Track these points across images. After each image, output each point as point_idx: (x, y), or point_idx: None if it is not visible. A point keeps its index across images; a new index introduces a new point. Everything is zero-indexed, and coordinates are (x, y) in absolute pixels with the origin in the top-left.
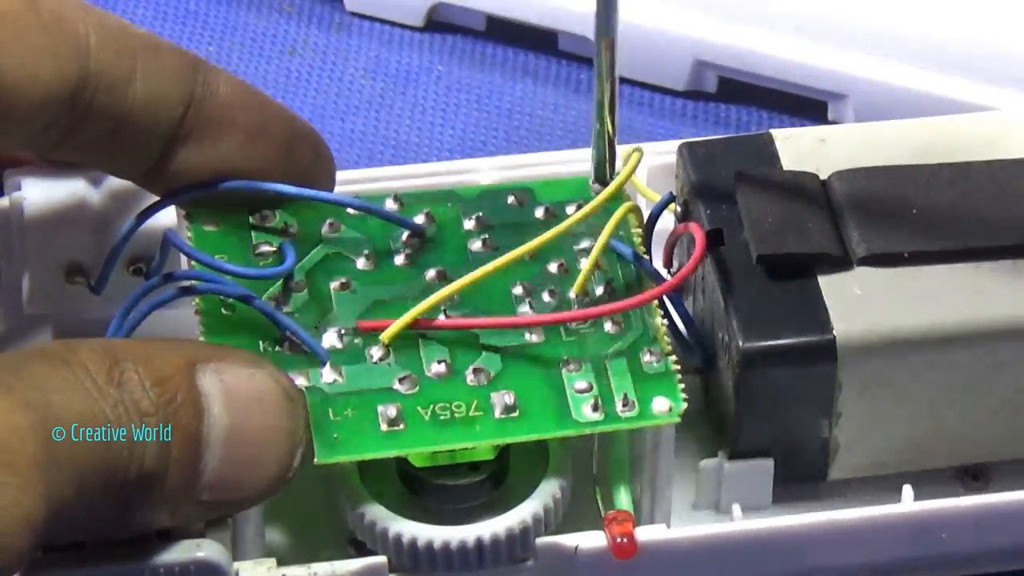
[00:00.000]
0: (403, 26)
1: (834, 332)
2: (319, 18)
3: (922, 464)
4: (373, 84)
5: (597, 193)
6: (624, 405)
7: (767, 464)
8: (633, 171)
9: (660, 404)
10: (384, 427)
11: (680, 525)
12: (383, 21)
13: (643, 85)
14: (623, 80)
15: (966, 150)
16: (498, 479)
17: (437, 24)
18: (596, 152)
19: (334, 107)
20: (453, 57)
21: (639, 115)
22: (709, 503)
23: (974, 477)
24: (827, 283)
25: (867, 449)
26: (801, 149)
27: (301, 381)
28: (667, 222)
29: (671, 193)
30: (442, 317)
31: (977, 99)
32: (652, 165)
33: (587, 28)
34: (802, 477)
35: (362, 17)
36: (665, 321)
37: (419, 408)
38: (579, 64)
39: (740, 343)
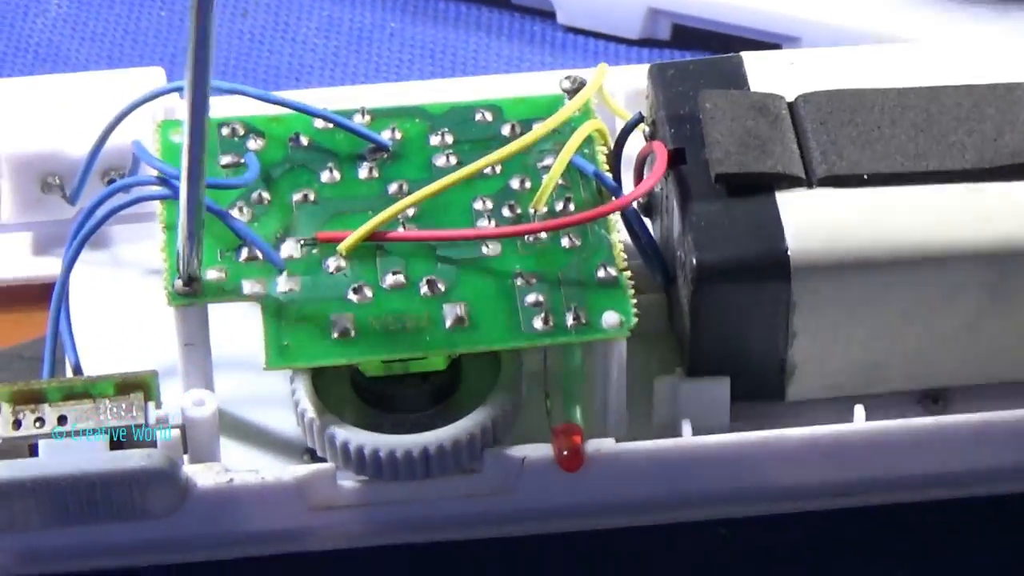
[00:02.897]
0: None
1: (788, 250)
2: None
3: (881, 387)
4: (327, 43)
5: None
6: (574, 319)
7: (723, 383)
8: (599, 86)
9: (610, 318)
10: (335, 335)
11: (630, 440)
12: None
13: (597, 35)
14: (577, 31)
15: (938, 75)
16: (448, 390)
17: None
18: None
19: (288, 67)
20: (406, 14)
21: (595, 65)
22: (667, 420)
23: (934, 400)
24: (785, 203)
25: (824, 370)
26: (770, 72)
27: (258, 289)
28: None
29: (640, 113)
30: (401, 229)
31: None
32: (629, 89)
33: None
34: (760, 396)
35: None
36: (623, 238)
37: (371, 318)
38: (532, 17)
39: (694, 259)
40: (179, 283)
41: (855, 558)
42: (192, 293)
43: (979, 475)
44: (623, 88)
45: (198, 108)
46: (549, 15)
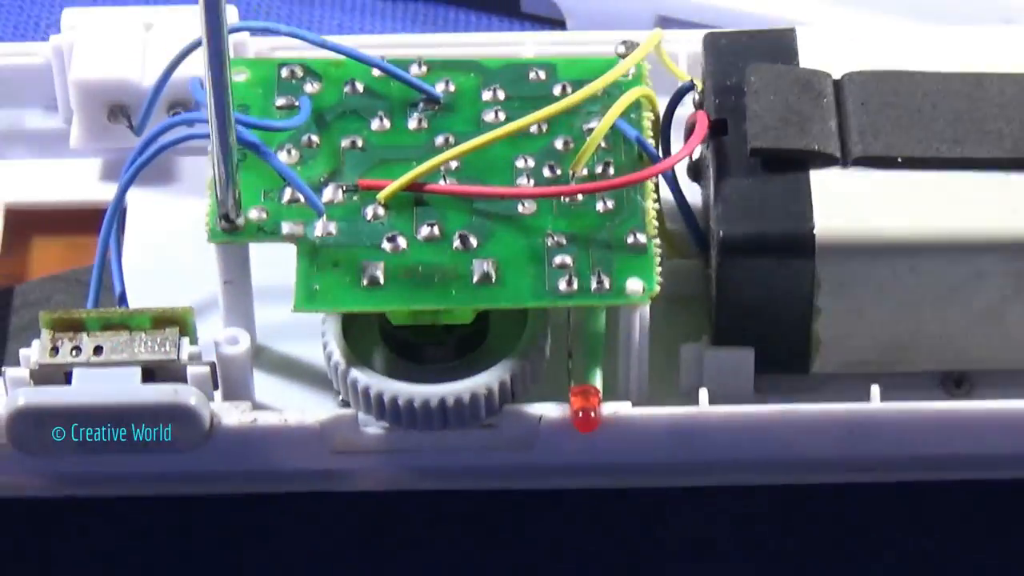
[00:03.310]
0: None
1: (814, 228)
2: None
3: (905, 366)
4: None
5: (627, 76)
6: (597, 283)
7: (747, 353)
8: (648, 51)
9: (633, 285)
10: (364, 283)
11: (651, 403)
12: None
13: None
14: None
15: (990, 60)
16: (475, 343)
17: None
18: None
19: None
20: (415, 24)
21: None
22: (691, 386)
23: (957, 383)
24: (818, 180)
25: (848, 347)
26: (822, 48)
27: (296, 231)
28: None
29: (691, 81)
30: (442, 182)
31: None
32: (692, 52)
33: None
34: (785, 368)
35: None
36: (657, 205)
37: (401, 268)
38: (542, 25)
39: (721, 232)
40: (220, 221)
41: (867, 532)
42: (231, 231)
43: (996, 459)
44: (686, 50)
45: (215, 40)
46: (559, 23)
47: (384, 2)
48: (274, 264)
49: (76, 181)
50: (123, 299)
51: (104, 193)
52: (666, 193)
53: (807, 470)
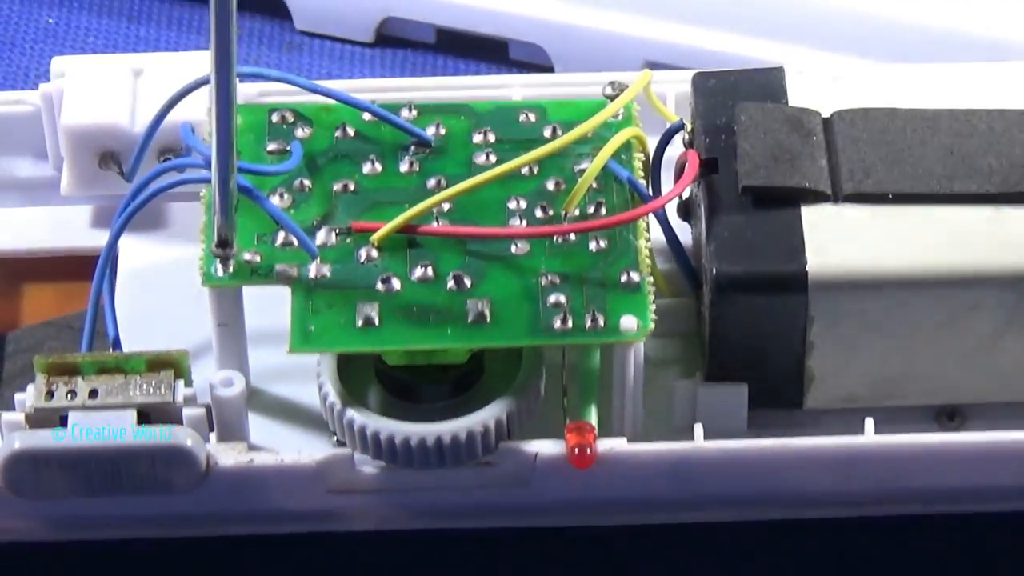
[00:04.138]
0: (353, 42)
1: (807, 264)
2: (269, 38)
3: (898, 400)
4: None
5: (616, 117)
6: (592, 320)
7: (740, 389)
8: (637, 92)
9: (628, 322)
10: (359, 324)
11: (645, 440)
12: (333, 38)
13: None
14: None
15: (978, 98)
16: (467, 384)
17: (387, 39)
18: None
19: None
20: (404, 71)
21: None
22: (685, 423)
23: (950, 417)
24: (810, 217)
25: (842, 381)
26: (811, 86)
27: (290, 273)
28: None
29: (681, 120)
30: (435, 224)
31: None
32: (680, 92)
33: (537, 35)
34: (779, 404)
35: (312, 35)
36: (650, 244)
37: (396, 309)
38: (530, 71)
39: (714, 270)
40: (214, 247)
41: (862, 566)
42: (226, 257)
43: (990, 492)
44: (674, 91)
45: (223, 61)
46: (547, 69)
47: (372, 50)
48: (266, 308)
49: (67, 228)
50: (117, 343)
51: (95, 240)
52: (656, 235)
53: (802, 504)
